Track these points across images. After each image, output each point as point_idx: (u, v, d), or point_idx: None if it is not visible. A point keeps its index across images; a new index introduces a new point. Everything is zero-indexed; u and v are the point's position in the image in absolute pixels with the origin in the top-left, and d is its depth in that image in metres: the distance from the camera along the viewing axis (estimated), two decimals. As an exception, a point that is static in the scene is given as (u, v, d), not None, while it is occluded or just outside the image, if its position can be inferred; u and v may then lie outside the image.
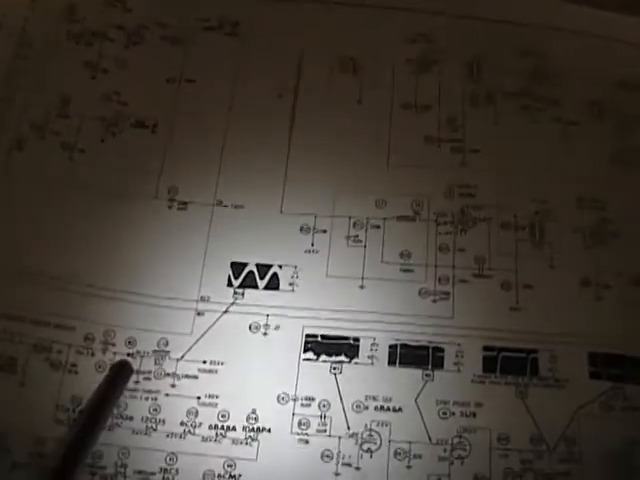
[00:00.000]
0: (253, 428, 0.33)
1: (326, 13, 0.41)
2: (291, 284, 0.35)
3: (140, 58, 0.40)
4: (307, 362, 0.34)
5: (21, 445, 0.32)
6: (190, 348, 0.34)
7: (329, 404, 0.33)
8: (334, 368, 0.34)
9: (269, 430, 0.33)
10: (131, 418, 0.33)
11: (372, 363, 0.34)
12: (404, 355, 0.34)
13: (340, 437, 0.33)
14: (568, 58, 0.40)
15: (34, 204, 0.36)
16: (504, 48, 0.40)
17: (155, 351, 0.34)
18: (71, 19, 0.40)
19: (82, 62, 0.39)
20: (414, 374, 0.34)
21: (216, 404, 0.34)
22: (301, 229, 0.36)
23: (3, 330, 0.34)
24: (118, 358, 0.34)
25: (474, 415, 0.33)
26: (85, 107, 0.38)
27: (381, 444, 0.33)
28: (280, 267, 0.36)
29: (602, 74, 0.40)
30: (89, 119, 0.38)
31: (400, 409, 0.33)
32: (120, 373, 0.34)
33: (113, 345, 0.34)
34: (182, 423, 0.33)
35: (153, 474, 0.32)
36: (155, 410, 0.33)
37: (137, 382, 0.34)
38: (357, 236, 0.36)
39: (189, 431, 0.33)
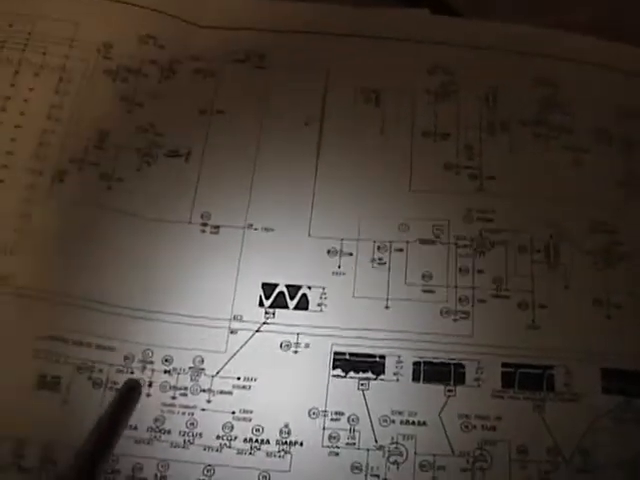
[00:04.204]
0: (286, 441, 0.34)
1: (348, 46, 0.42)
2: (320, 304, 0.37)
3: (173, 91, 0.41)
4: (336, 378, 0.35)
5: (64, 459, 0.33)
6: (224, 365, 0.36)
7: (357, 418, 0.35)
8: (362, 384, 0.35)
9: (301, 443, 0.34)
10: (169, 432, 0.34)
11: (397, 379, 0.35)
12: (427, 372, 0.35)
13: (368, 450, 0.34)
14: (578, 87, 0.41)
15: (76, 231, 0.37)
16: (518, 79, 0.41)
17: (191, 368, 0.35)
18: (107, 56, 0.41)
19: (118, 97, 0.41)
20: (437, 390, 0.35)
21: (250, 419, 0.35)
22: (328, 252, 0.38)
23: (49, 351, 0.35)
24: (156, 376, 0.35)
25: (494, 428, 0.34)
26: (121, 139, 0.40)
27: (407, 456, 0.34)
28: (309, 288, 0.37)
29: (609, 102, 0.41)
30: (125, 150, 0.39)
31: (424, 423, 0.34)
32: (128, 396, 0.35)
33: (151, 363, 0.35)
34: (218, 437, 0.34)
35: (192, 486, 0.34)
36: (192, 424, 0.34)
37: (174, 398, 0.35)
38: (381, 259, 0.37)
39: (225, 444, 0.34)
